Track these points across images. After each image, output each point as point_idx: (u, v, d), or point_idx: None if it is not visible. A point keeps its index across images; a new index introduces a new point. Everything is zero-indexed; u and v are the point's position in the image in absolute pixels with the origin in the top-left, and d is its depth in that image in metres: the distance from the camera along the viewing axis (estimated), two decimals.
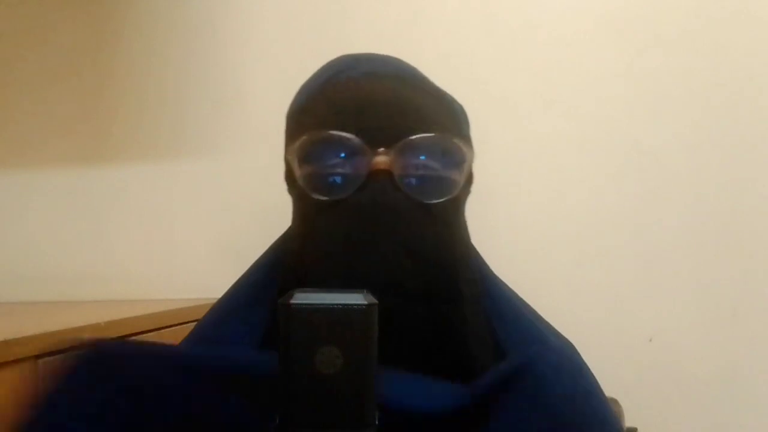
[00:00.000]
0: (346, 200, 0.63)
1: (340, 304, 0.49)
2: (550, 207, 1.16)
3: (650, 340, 1.13)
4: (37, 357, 0.75)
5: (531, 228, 1.16)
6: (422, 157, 0.64)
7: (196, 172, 1.29)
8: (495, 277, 0.74)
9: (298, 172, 0.66)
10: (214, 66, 1.29)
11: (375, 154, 0.63)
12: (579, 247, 1.16)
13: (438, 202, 0.65)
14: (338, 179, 0.64)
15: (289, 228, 0.71)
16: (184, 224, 1.30)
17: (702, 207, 1.13)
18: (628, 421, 0.81)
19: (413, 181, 0.64)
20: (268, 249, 0.73)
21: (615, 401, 0.75)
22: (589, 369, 0.70)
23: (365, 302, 0.50)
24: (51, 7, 1.35)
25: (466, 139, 0.70)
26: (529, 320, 0.72)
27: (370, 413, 0.50)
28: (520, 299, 0.74)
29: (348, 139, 0.63)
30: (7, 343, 0.71)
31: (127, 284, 1.28)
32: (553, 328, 0.73)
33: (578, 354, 0.71)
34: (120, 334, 0.89)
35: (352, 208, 0.63)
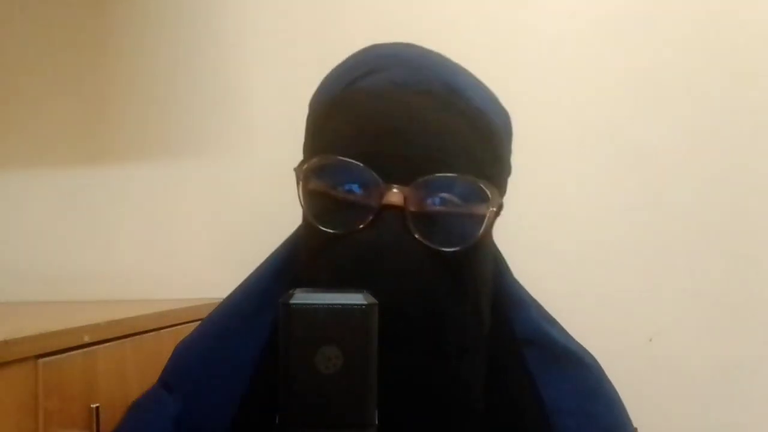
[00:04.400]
0: (351, 236, 0.58)
1: (340, 304, 0.49)
2: (549, 207, 1.16)
3: (650, 340, 1.13)
4: (37, 357, 0.74)
5: (530, 228, 1.16)
6: (440, 198, 0.58)
7: (196, 172, 1.29)
8: (521, 295, 0.70)
9: (304, 195, 0.61)
10: (214, 66, 1.29)
11: (388, 188, 0.57)
12: (579, 247, 1.15)
13: (452, 251, 0.59)
14: (346, 212, 0.59)
15: (298, 232, 0.67)
16: (184, 224, 1.29)
17: (702, 207, 1.13)
18: None
19: (426, 224, 0.58)
20: (275, 252, 0.71)
21: None
22: (611, 386, 0.70)
23: (365, 302, 0.50)
24: (51, 8, 1.35)
25: (500, 172, 0.64)
26: (557, 341, 0.69)
27: (370, 413, 0.50)
28: (540, 307, 0.72)
29: (360, 168, 0.57)
30: (7, 343, 0.71)
31: (127, 284, 1.28)
32: (574, 340, 0.72)
33: (601, 370, 0.70)
34: (120, 334, 0.89)
35: (355, 246, 0.57)
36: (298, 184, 0.62)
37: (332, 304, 0.49)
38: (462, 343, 0.61)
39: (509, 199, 1.15)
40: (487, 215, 0.61)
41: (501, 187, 0.65)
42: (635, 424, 0.72)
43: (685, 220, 1.13)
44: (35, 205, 1.35)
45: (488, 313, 0.65)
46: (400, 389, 0.55)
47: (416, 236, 0.58)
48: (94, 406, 0.81)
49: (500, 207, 0.65)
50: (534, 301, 0.72)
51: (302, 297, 0.50)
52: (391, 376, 0.51)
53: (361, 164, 0.57)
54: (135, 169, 1.31)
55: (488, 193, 0.60)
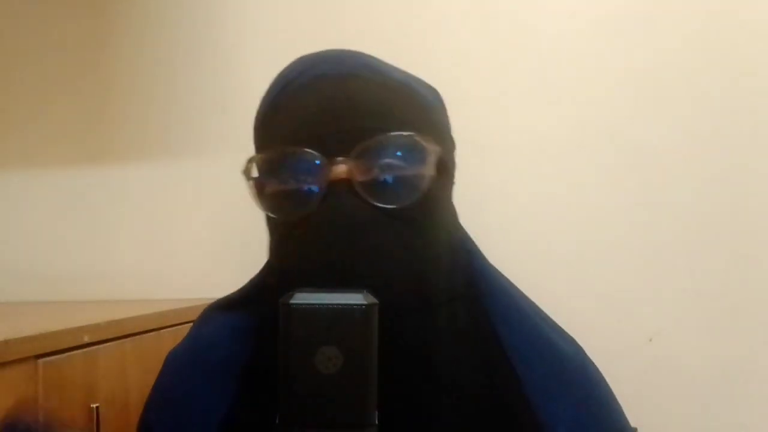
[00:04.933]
0: (307, 219, 0.60)
1: (340, 304, 0.49)
2: (549, 207, 1.16)
3: (650, 340, 1.13)
4: (37, 357, 0.75)
5: (530, 228, 1.16)
6: (382, 160, 0.61)
7: (196, 172, 1.29)
8: (494, 273, 0.71)
9: (257, 192, 0.64)
10: (214, 66, 1.29)
11: (332, 163, 0.60)
12: (579, 247, 1.15)
13: (404, 206, 0.61)
14: (297, 197, 0.61)
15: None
16: (184, 224, 1.29)
17: (702, 207, 1.12)
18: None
19: (374, 187, 0.60)
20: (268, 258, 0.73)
21: None
22: (597, 372, 0.70)
23: (365, 302, 0.50)
24: (52, 9, 1.35)
25: (434, 129, 0.66)
26: (535, 323, 0.69)
27: (370, 413, 0.50)
28: (523, 296, 0.72)
29: (302, 152, 0.60)
30: (7, 343, 0.71)
31: (127, 284, 1.28)
32: (558, 327, 0.72)
33: (586, 357, 0.70)
34: (120, 334, 0.89)
35: (313, 227, 0.60)
36: (248, 184, 0.65)
37: (332, 304, 0.49)
38: (431, 298, 0.62)
39: (510, 198, 1.16)
40: (431, 163, 0.63)
41: (442, 146, 0.66)
42: (635, 424, 0.72)
43: (685, 220, 1.13)
44: (35, 205, 1.35)
45: (457, 275, 0.66)
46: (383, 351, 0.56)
47: (369, 201, 0.60)
48: (94, 406, 0.81)
49: (447, 168, 0.67)
50: (509, 281, 0.73)
51: (302, 297, 0.50)
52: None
53: (302, 148, 0.60)
54: (135, 169, 1.31)
55: (424, 144, 0.62)
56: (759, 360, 1.10)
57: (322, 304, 0.49)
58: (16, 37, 1.36)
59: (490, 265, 0.72)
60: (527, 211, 1.17)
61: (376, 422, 0.50)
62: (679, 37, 1.14)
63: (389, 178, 0.61)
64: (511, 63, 1.18)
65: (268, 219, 0.67)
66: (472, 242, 0.72)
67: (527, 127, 1.17)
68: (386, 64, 0.69)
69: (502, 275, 0.72)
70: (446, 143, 0.69)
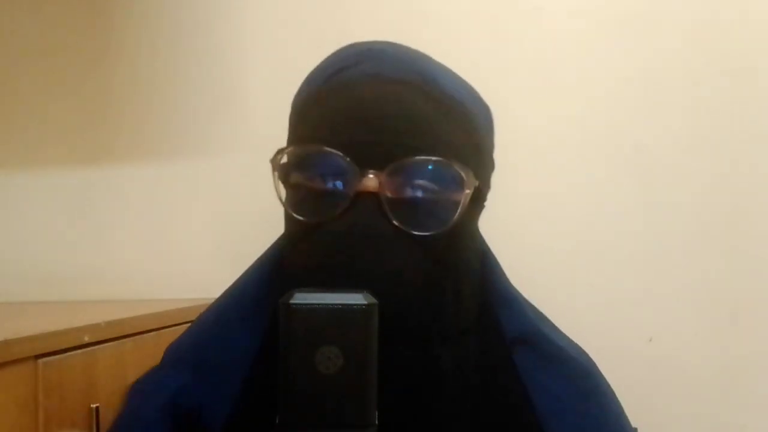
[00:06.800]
0: (327, 224, 0.58)
1: (340, 304, 0.49)
2: (549, 207, 1.16)
3: (650, 340, 1.13)
4: (37, 357, 0.74)
5: (530, 228, 1.16)
6: (415, 183, 0.59)
7: (196, 172, 1.29)
8: (508, 289, 0.70)
9: (281, 185, 0.62)
10: (213, 66, 1.29)
11: (363, 174, 0.58)
12: (578, 247, 1.15)
13: (429, 235, 0.59)
14: (323, 201, 0.59)
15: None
16: (184, 224, 1.29)
17: (702, 207, 1.13)
18: None
19: (402, 209, 0.58)
20: (269, 248, 0.71)
21: None
22: (610, 391, 0.69)
23: (365, 302, 0.50)
24: (52, 9, 1.35)
25: (478, 156, 0.63)
26: (549, 341, 0.68)
27: (370, 413, 0.50)
28: (535, 310, 0.72)
29: (335, 155, 0.58)
30: (7, 343, 0.71)
31: (127, 284, 1.28)
32: (569, 340, 0.71)
33: (599, 375, 0.70)
34: (120, 334, 0.89)
35: (331, 234, 0.58)
36: (273, 174, 0.62)
37: (332, 304, 0.49)
38: (443, 331, 0.61)
39: (509, 198, 1.16)
40: (463, 199, 0.60)
41: (480, 175, 0.64)
42: (635, 424, 0.72)
43: (685, 220, 1.13)
44: (35, 205, 1.35)
45: (474, 306, 0.65)
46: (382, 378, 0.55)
47: (393, 221, 0.58)
48: (94, 406, 0.81)
49: (481, 195, 0.65)
50: (525, 299, 0.72)
51: (302, 297, 0.50)
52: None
53: (336, 151, 0.58)
54: (135, 169, 1.31)
55: (463, 175, 0.60)
56: (759, 360, 1.10)
57: (322, 304, 0.49)
58: (16, 38, 1.36)
59: (506, 282, 0.71)
60: (527, 210, 1.17)
61: (376, 422, 0.50)
62: (679, 38, 1.14)
63: (419, 203, 0.59)
64: (511, 63, 1.18)
65: (285, 215, 0.65)
66: (493, 258, 0.71)
67: (527, 126, 1.17)
68: (443, 70, 0.66)
69: (516, 290, 0.71)
70: (486, 170, 0.66)
